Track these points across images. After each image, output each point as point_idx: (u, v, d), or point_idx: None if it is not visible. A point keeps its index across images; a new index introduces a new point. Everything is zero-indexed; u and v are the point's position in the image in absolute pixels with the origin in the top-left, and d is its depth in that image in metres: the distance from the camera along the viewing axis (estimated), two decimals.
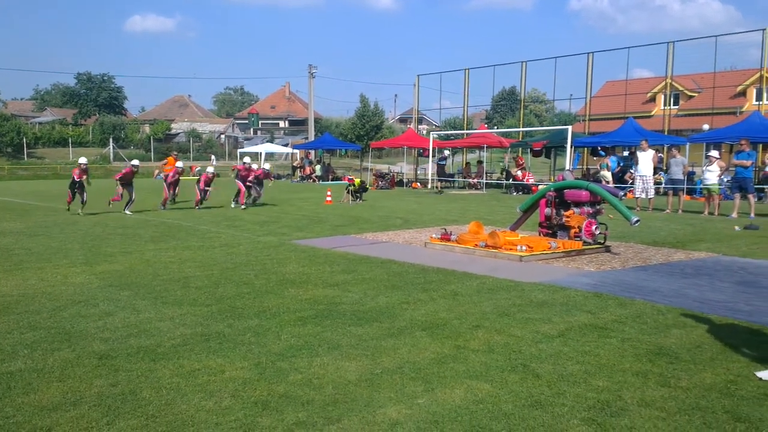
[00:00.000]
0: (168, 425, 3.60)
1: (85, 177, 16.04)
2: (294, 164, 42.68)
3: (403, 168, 38.70)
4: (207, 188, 18.18)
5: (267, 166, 21.09)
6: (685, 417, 3.74)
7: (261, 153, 44.64)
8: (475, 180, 30.73)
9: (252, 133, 73.16)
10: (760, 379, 4.34)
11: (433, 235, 10.77)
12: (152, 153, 53.33)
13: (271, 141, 59.53)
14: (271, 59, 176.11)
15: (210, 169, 18.91)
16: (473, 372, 4.49)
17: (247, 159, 19.92)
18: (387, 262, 9.02)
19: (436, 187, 29.88)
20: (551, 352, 4.96)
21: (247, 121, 74.61)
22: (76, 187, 16.09)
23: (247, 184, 18.80)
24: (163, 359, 4.73)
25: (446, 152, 30.74)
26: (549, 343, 5.17)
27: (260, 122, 73.33)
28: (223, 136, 67.47)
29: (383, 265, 8.77)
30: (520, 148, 32.06)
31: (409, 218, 15.49)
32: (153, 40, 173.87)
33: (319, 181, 36.37)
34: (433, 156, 32.42)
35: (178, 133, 66.39)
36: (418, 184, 33.13)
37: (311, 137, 49.47)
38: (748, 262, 9.16)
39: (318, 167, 39.06)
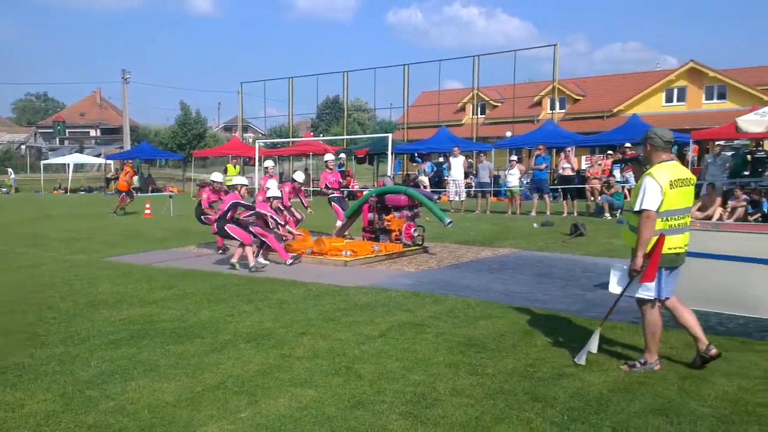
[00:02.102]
0: None
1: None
2: (108, 176, 39.75)
3: None
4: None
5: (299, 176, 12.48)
6: (490, 401, 4.09)
7: (69, 164, 41.04)
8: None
9: (58, 142, 66.99)
10: (576, 363, 4.76)
11: None
12: None
13: (81, 151, 54.94)
14: (80, 64, 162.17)
15: (299, 176, 12.45)
16: (298, 379, 4.53)
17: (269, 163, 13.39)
18: (211, 275, 8.76)
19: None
20: (373, 352, 5.15)
21: (51, 130, 68.10)
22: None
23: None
24: None
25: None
26: (371, 344, 5.37)
27: (67, 131, 67.35)
28: (23, 147, 61.01)
29: (207, 278, 8.51)
30: (345, 156, 32.71)
31: None
32: None
33: (137, 192, 34.26)
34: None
35: None
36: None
37: (127, 146, 46.41)
38: (545, 256, 10.19)
39: (135, 178, 36.80)
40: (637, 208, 4.50)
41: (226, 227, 9.35)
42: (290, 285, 7.96)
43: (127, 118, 48.34)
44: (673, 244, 4.53)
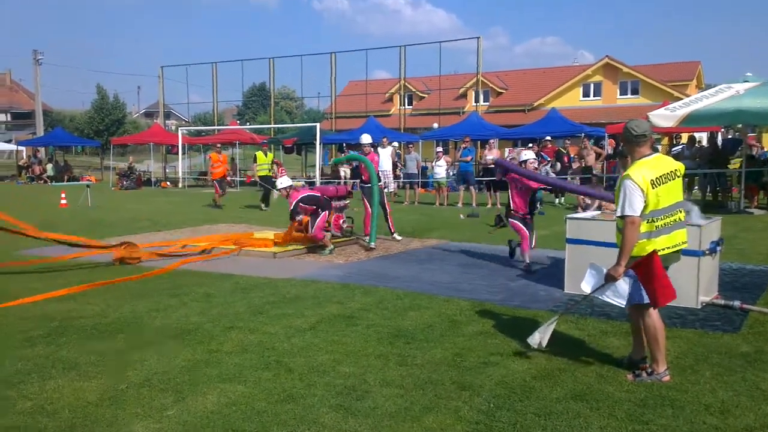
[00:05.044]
0: None
1: None
2: (20, 163, 37.67)
3: (151, 166, 36.49)
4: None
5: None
6: (419, 391, 4.17)
7: None
8: (229, 178, 30.24)
9: None
10: (531, 346, 4.75)
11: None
12: None
13: None
14: None
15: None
16: (226, 375, 4.47)
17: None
18: (133, 268, 8.48)
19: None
20: (303, 345, 5.14)
21: None
22: None
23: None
24: None
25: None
26: (301, 337, 5.36)
27: None
28: None
29: (128, 272, 8.22)
30: (273, 145, 32.27)
31: (159, 220, 14.71)
32: None
33: (51, 181, 32.65)
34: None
35: None
36: (168, 183, 31.56)
37: (40, 132, 44.04)
38: (471, 246, 10.42)
39: (50, 166, 35.02)
40: (618, 214, 4.21)
41: None
42: (217, 278, 7.82)
43: (40, 101, 45.81)
44: (661, 245, 4.25)
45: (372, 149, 11.33)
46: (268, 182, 17.61)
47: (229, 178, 21.71)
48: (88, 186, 20.17)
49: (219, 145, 21.36)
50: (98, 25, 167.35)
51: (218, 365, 4.66)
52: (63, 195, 18.98)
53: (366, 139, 11.29)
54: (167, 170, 36.58)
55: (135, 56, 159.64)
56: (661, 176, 4.23)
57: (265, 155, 18.97)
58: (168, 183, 31.55)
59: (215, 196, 18.36)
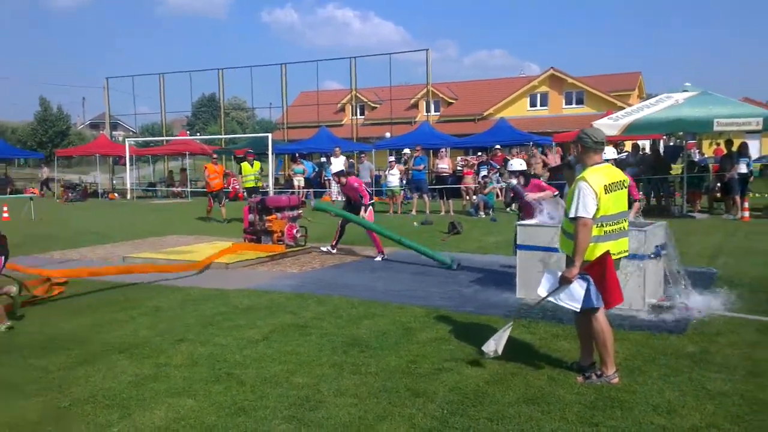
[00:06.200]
0: None
1: None
2: None
3: (98, 177, 35.44)
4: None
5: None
6: (374, 400, 4.14)
7: None
8: (179, 189, 29.74)
9: None
10: (487, 354, 4.71)
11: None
12: None
13: None
14: None
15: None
16: (175, 389, 4.35)
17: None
18: (78, 282, 8.19)
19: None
20: (255, 356, 5.05)
21: None
22: None
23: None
24: None
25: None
26: (253, 348, 5.27)
27: None
28: None
29: (73, 285, 7.95)
30: (224, 156, 31.82)
31: (106, 232, 14.28)
32: None
33: None
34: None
35: None
36: (116, 194, 30.75)
37: None
38: None
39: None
40: (572, 215, 4.24)
41: None
42: (167, 290, 7.64)
43: None
44: (610, 249, 4.32)
45: (345, 178, 10.76)
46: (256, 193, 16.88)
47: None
48: (31, 199, 19.46)
49: (215, 156, 20.18)
50: (41, 36, 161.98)
51: (167, 379, 4.54)
52: (5, 208, 18.24)
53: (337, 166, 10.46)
54: (115, 182, 35.65)
55: (80, 67, 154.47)
56: (611, 184, 4.33)
57: (251, 165, 17.91)
58: (116, 194, 30.74)
59: (220, 210, 17.03)
